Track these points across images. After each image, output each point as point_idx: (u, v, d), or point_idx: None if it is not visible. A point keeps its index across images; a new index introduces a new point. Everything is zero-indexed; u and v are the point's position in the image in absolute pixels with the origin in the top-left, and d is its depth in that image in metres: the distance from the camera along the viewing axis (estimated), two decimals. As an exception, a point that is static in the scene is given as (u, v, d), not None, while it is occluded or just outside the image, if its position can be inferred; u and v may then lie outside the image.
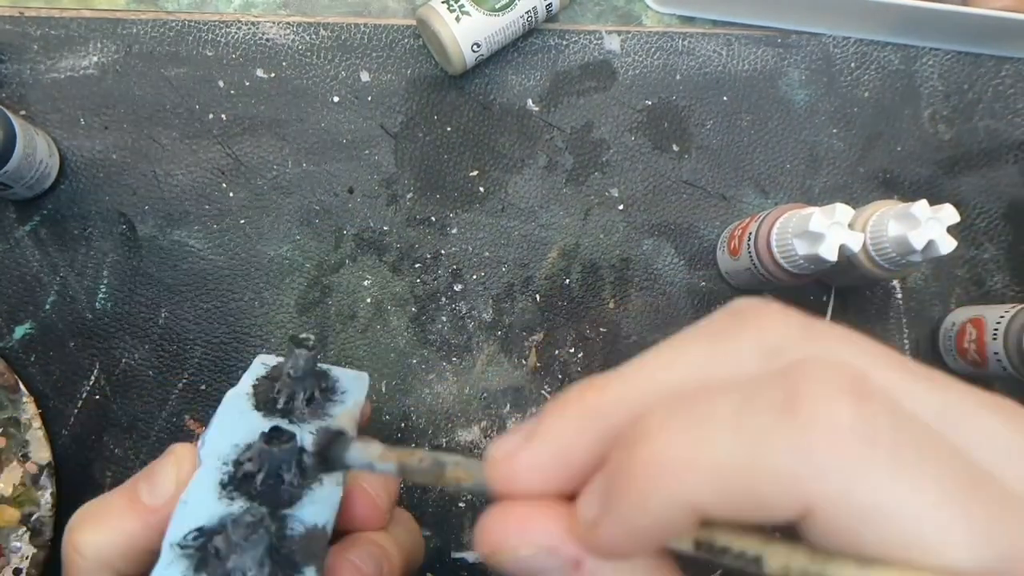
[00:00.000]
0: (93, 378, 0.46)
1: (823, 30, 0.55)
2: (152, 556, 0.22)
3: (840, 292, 0.52)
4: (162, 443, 0.46)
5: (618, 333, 0.50)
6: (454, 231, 0.50)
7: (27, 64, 0.48)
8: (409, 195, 0.50)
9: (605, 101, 0.53)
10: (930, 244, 0.41)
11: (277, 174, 0.49)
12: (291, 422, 0.24)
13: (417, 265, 0.50)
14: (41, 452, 0.44)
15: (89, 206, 0.48)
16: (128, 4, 0.50)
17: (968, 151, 0.55)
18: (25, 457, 0.44)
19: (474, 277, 0.50)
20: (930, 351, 0.52)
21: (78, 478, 0.46)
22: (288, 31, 0.50)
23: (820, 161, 0.54)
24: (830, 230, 0.40)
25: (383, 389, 0.48)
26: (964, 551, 0.11)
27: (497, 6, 0.48)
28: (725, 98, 0.54)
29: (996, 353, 0.46)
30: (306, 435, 0.24)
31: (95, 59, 0.49)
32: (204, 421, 0.47)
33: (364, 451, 0.20)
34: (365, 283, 0.49)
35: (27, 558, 0.43)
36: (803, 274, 0.44)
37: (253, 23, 0.50)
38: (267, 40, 0.50)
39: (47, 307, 0.47)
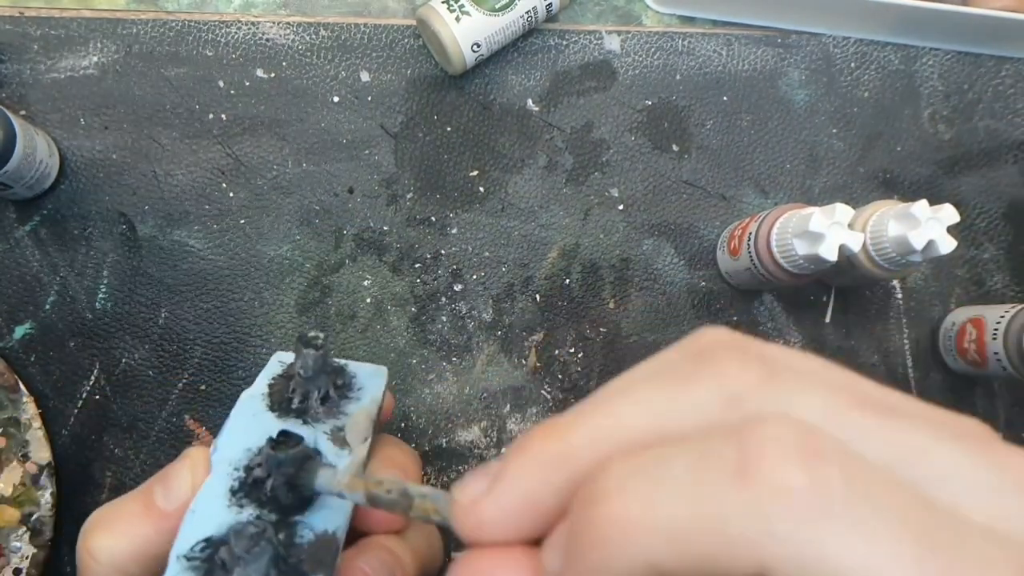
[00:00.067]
0: (93, 378, 0.46)
1: (823, 30, 0.55)
2: (166, 561, 0.22)
3: (840, 292, 0.52)
4: (162, 443, 0.46)
5: (618, 333, 0.50)
6: (454, 231, 0.50)
7: (27, 64, 0.48)
8: (409, 195, 0.50)
9: (605, 101, 0.53)
10: (930, 244, 0.41)
11: (277, 174, 0.49)
12: (306, 422, 0.24)
13: (417, 265, 0.50)
14: (41, 452, 0.44)
15: (89, 206, 0.48)
16: (128, 4, 0.50)
17: (968, 151, 0.55)
18: (25, 457, 0.44)
19: (474, 277, 0.50)
20: (930, 351, 0.52)
21: (78, 478, 0.46)
22: (288, 31, 0.50)
23: (820, 161, 0.54)
24: (830, 230, 0.40)
25: (383, 389, 0.48)
26: None
27: (497, 6, 0.48)
28: (725, 98, 0.54)
29: (996, 353, 0.46)
30: (320, 436, 0.23)
31: (95, 59, 0.49)
32: (204, 421, 0.47)
33: (332, 478, 0.20)
34: (365, 283, 0.49)
35: (27, 558, 0.43)
36: (803, 274, 0.44)
37: (253, 23, 0.50)
38: (267, 40, 0.50)
39: (47, 307, 0.47)
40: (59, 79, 0.48)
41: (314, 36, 0.50)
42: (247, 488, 0.22)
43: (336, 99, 0.50)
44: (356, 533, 0.24)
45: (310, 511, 0.22)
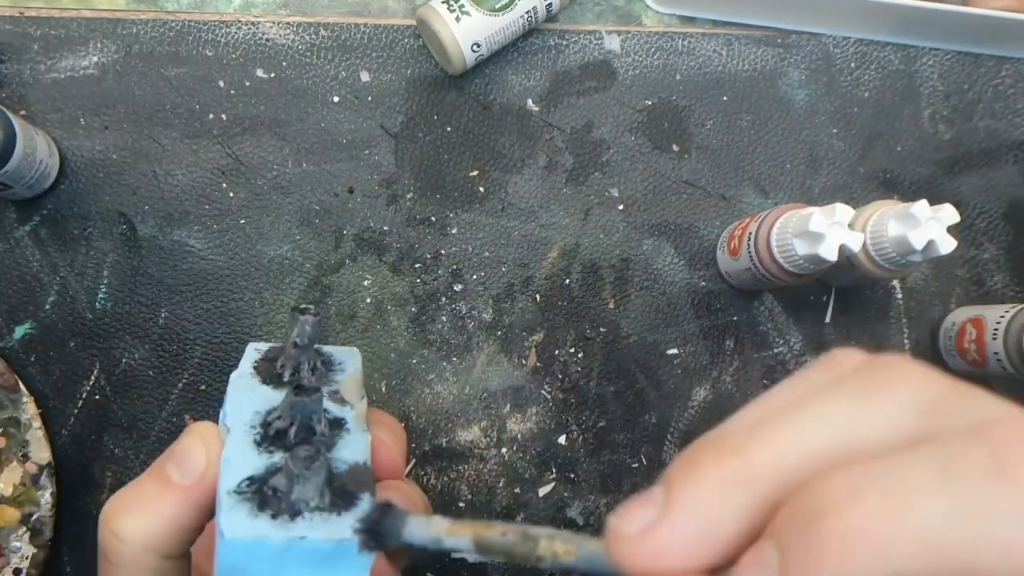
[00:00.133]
0: (93, 378, 0.46)
1: (823, 30, 0.55)
2: (192, 534, 0.22)
3: (840, 292, 0.52)
4: (162, 443, 0.46)
5: (618, 333, 0.50)
6: (454, 231, 0.50)
7: (27, 64, 0.48)
8: (409, 195, 0.50)
9: (605, 101, 0.53)
10: (930, 244, 0.41)
11: (277, 174, 0.49)
12: (301, 389, 0.25)
13: (417, 265, 0.50)
14: (41, 452, 0.44)
15: (89, 206, 0.48)
16: (128, 4, 0.50)
17: (968, 151, 0.55)
18: (25, 457, 0.44)
19: (474, 277, 0.50)
20: (930, 351, 0.52)
21: (78, 478, 0.46)
22: (288, 31, 0.50)
23: (820, 161, 0.54)
24: (830, 230, 0.40)
25: (383, 389, 0.48)
26: None
27: (497, 6, 0.48)
28: (725, 98, 0.54)
29: (996, 353, 0.46)
30: (323, 398, 0.24)
31: (95, 59, 0.49)
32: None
33: (428, 526, 0.19)
34: (365, 283, 0.49)
35: (27, 558, 0.43)
36: (803, 274, 0.44)
37: (253, 23, 0.50)
38: (267, 40, 0.50)
39: (47, 307, 0.47)
40: (59, 79, 0.48)
41: (314, 36, 0.51)
42: (269, 439, 0.23)
43: (336, 99, 0.50)
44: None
45: (333, 451, 0.23)
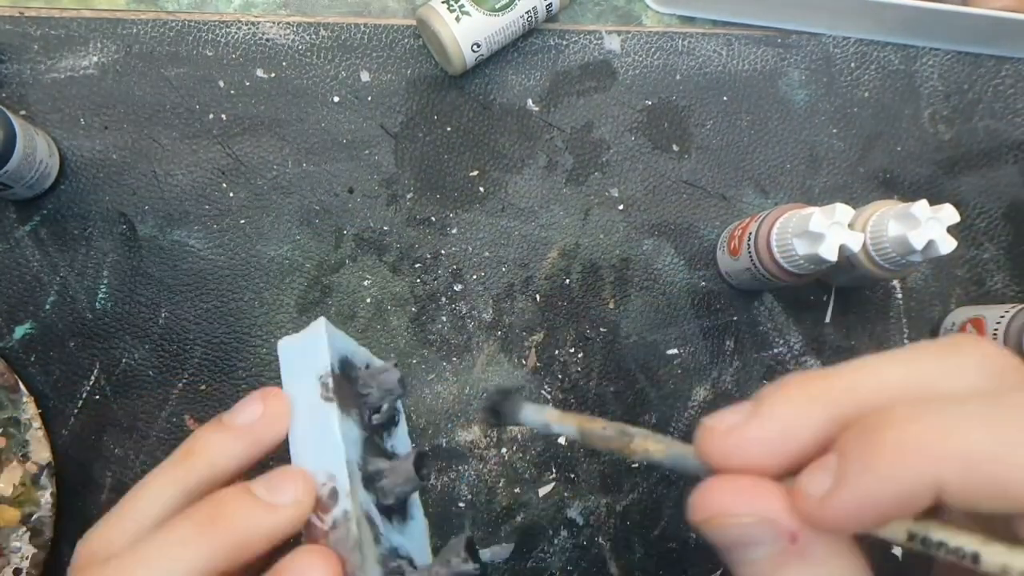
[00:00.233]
0: (93, 378, 0.46)
1: (823, 30, 0.55)
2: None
3: (840, 292, 0.52)
4: (162, 443, 0.46)
5: (618, 333, 0.50)
6: (454, 231, 0.50)
7: (27, 64, 0.48)
8: (409, 195, 0.50)
9: (605, 101, 0.53)
10: (930, 244, 0.41)
11: (277, 174, 0.49)
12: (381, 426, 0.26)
13: (417, 265, 0.50)
14: (41, 452, 0.44)
15: (89, 206, 0.48)
16: (128, 4, 0.50)
17: (968, 151, 0.55)
18: (25, 457, 0.44)
19: (474, 277, 0.50)
20: (930, 351, 0.52)
21: (78, 478, 0.46)
22: (288, 31, 0.50)
23: (820, 161, 0.54)
24: (830, 230, 0.40)
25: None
26: None
27: (497, 6, 0.48)
28: (725, 98, 0.54)
29: (996, 353, 0.46)
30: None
31: (95, 59, 0.49)
32: (204, 421, 0.47)
33: (540, 412, 0.21)
34: (365, 283, 0.49)
35: (27, 558, 0.43)
36: (803, 274, 0.44)
37: (253, 23, 0.50)
38: (267, 40, 0.50)
39: (47, 307, 0.47)
40: (59, 79, 0.48)
41: (314, 36, 0.51)
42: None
43: (336, 99, 0.50)
44: None
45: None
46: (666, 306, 0.51)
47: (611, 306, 0.51)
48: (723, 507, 0.17)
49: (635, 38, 0.53)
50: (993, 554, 0.14)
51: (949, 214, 0.41)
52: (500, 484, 0.48)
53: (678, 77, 0.53)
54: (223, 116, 0.49)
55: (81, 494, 0.46)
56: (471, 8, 0.47)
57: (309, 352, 0.25)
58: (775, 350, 0.51)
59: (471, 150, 0.51)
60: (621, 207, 0.52)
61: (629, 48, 0.53)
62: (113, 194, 0.48)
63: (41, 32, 0.48)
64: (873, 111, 0.55)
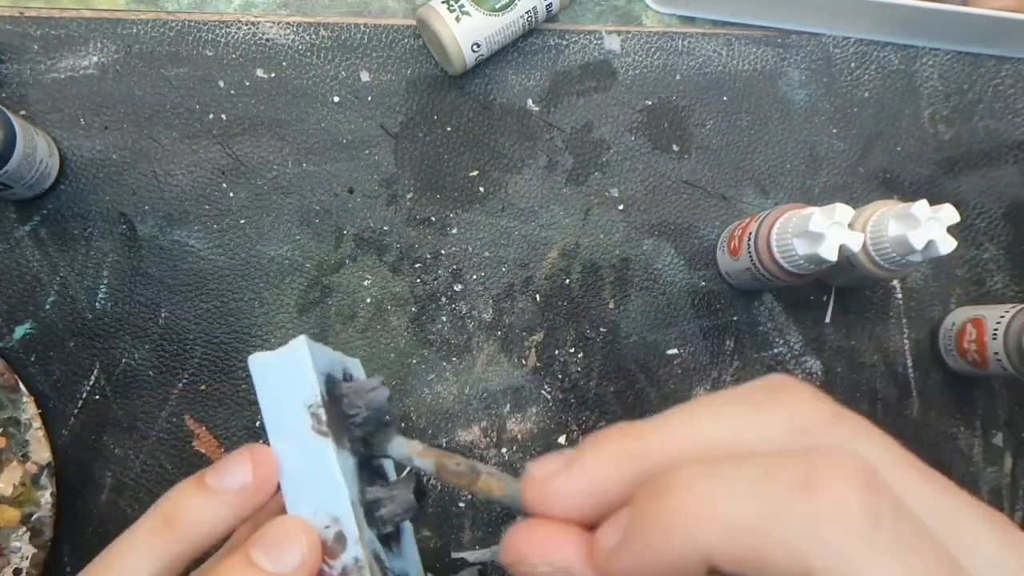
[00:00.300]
0: (93, 378, 0.46)
1: (823, 30, 0.55)
2: None
3: (840, 292, 0.52)
4: (162, 443, 0.46)
5: (618, 333, 0.50)
6: (454, 231, 0.50)
7: (27, 64, 0.48)
8: (409, 195, 0.50)
9: (605, 101, 0.53)
10: (930, 244, 0.41)
11: (277, 174, 0.49)
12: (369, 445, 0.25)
13: (417, 265, 0.50)
14: (41, 452, 0.44)
15: (89, 206, 0.48)
16: (128, 4, 0.50)
17: (968, 151, 0.55)
18: (25, 457, 0.44)
19: (474, 277, 0.50)
20: (930, 351, 0.52)
21: (78, 478, 0.46)
22: (288, 31, 0.50)
23: (820, 161, 0.54)
24: (830, 230, 0.40)
25: (383, 389, 0.48)
26: None
27: (497, 6, 0.48)
28: (725, 98, 0.54)
29: (996, 353, 0.46)
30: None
31: (95, 59, 0.49)
32: (204, 421, 0.47)
33: (405, 446, 0.22)
34: (365, 283, 0.49)
35: (27, 558, 0.43)
36: (803, 274, 0.44)
37: (253, 23, 0.50)
38: (267, 40, 0.50)
39: (47, 307, 0.47)
40: (59, 79, 0.48)
41: (314, 36, 0.51)
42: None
43: (336, 99, 0.50)
44: None
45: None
46: (666, 306, 0.51)
47: (611, 306, 0.51)
48: (522, 554, 0.17)
49: (635, 38, 0.53)
50: None
51: (949, 214, 0.41)
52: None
53: (678, 77, 0.53)
54: (223, 116, 0.49)
55: (81, 494, 0.46)
56: (471, 8, 0.47)
57: (292, 376, 0.23)
58: (775, 350, 0.52)
59: (471, 150, 0.51)
60: (621, 207, 0.52)
61: (629, 48, 0.53)
62: (113, 194, 0.48)
63: (41, 32, 0.48)
64: (873, 111, 0.55)
